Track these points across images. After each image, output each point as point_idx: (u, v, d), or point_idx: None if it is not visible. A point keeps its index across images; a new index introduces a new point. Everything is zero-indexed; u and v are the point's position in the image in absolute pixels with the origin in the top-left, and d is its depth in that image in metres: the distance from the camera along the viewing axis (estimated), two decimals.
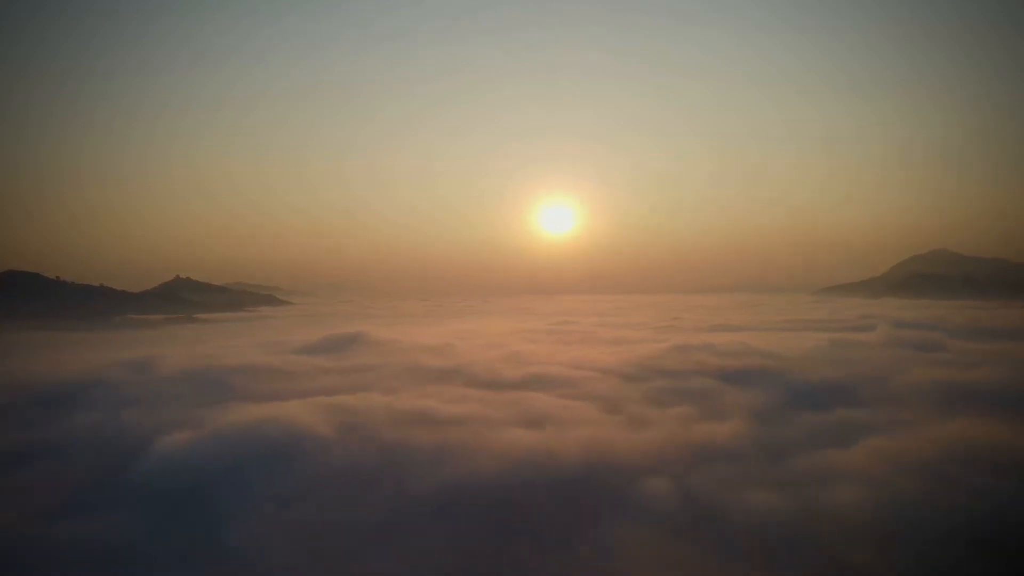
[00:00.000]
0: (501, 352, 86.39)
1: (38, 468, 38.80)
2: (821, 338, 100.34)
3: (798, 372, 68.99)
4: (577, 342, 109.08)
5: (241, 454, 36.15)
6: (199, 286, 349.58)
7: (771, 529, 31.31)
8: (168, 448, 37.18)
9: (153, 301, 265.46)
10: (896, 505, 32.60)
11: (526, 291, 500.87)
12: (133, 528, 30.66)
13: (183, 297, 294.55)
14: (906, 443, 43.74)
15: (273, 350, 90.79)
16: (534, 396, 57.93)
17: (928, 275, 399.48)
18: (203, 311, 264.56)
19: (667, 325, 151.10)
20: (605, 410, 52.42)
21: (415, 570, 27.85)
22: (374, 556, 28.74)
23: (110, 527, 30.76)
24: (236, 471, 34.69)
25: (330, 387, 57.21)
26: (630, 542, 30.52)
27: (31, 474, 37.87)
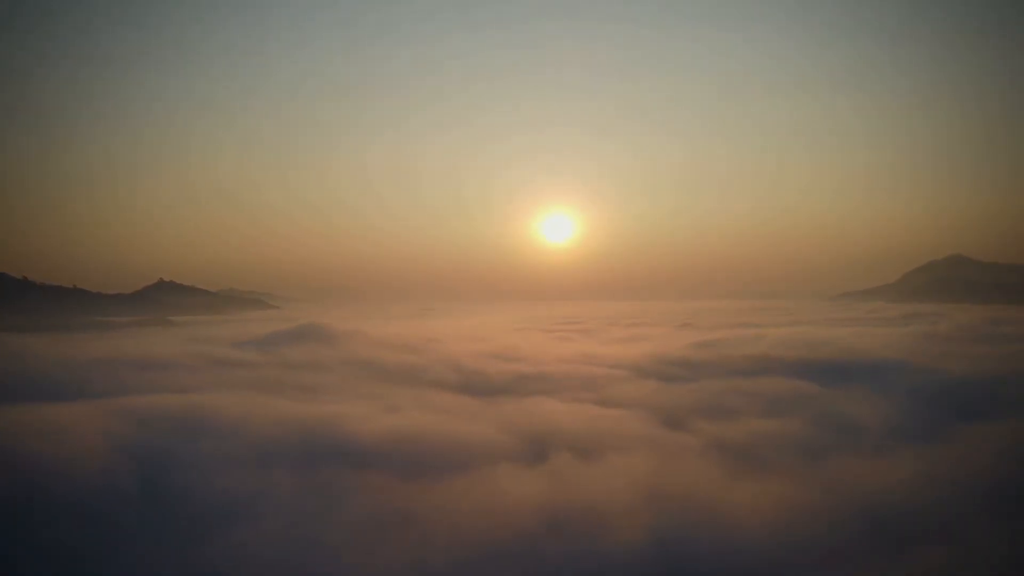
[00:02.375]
0: (490, 346, 66.02)
1: None
2: (892, 333, 79.91)
3: (910, 367, 48.77)
4: (587, 339, 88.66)
5: None
6: (183, 290, 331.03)
7: None
8: None
9: (127, 304, 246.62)
10: None
11: (526, 297, 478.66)
12: None
13: (162, 300, 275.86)
14: None
15: (199, 346, 70.50)
16: (535, 402, 37.68)
17: (947, 280, 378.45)
18: (181, 314, 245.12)
19: (684, 323, 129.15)
20: (650, 423, 32.04)
21: None
22: None
23: None
24: None
25: (212, 384, 36.54)
26: None
27: None
